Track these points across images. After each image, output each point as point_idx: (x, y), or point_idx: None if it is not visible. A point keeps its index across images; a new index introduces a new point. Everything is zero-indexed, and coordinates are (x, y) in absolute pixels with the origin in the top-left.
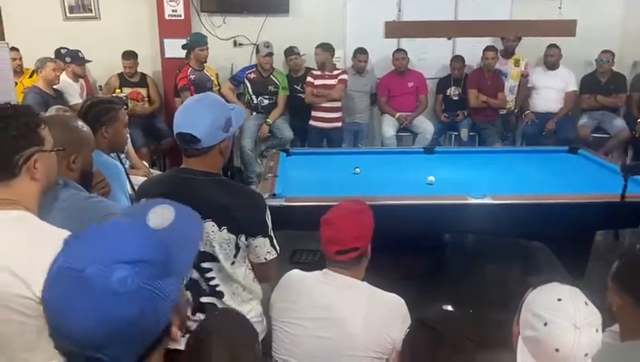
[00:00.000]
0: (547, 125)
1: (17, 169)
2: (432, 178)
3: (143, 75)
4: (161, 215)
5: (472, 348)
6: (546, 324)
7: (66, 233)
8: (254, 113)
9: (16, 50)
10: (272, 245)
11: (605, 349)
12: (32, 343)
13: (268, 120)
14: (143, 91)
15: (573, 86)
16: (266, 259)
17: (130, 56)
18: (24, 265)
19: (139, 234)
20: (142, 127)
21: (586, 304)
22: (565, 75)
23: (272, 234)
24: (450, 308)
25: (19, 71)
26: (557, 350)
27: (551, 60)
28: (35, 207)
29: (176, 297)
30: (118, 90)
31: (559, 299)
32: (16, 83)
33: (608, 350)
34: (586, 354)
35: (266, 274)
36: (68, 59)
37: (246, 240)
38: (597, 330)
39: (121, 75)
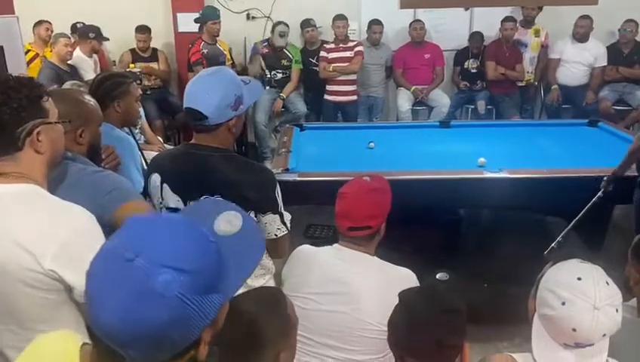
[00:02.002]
0: (587, 98)
1: (21, 142)
2: (482, 159)
3: (155, 50)
4: (230, 223)
5: (452, 318)
6: (564, 304)
7: (74, 206)
8: (268, 87)
9: (48, 22)
10: (283, 222)
11: (622, 324)
12: (47, 314)
13: (281, 94)
14: (155, 65)
15: (603, 61)
16: (276, 235)
17: (144, 30)
18: (32, 239)
19: (197, 241)
20: (155, 101)
21: (607, 284)
22: (595, 49)
23: (283, 211)
24: (446, 276)
25: (47, 40)
26: (574, 330)
27: (580, 32)
28: (42, 179)
29: (214, 315)
30: (132, 65)
31: (579, 278)
32: (38, 54)
33: (625, 325)
34: (604, 335)
35: (278, 250)
36: (92, 35)
37: (255, 216)
38: (617, 310)
39: (133, 51)
